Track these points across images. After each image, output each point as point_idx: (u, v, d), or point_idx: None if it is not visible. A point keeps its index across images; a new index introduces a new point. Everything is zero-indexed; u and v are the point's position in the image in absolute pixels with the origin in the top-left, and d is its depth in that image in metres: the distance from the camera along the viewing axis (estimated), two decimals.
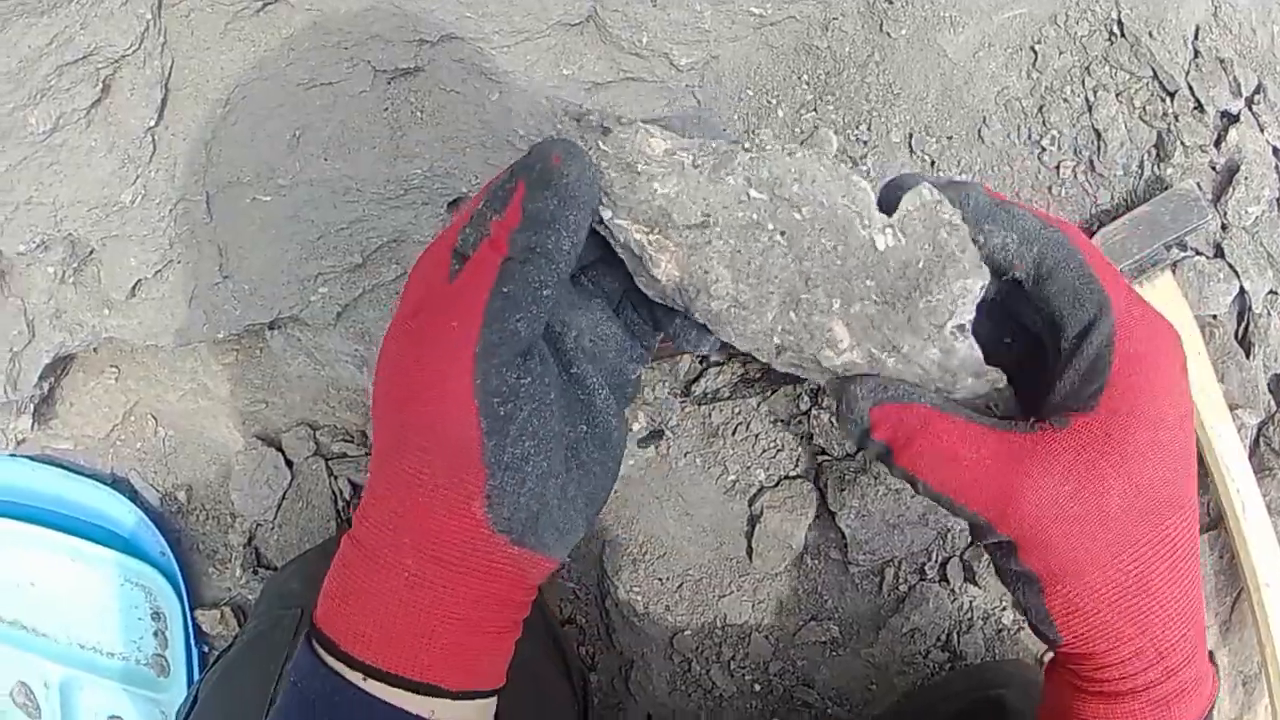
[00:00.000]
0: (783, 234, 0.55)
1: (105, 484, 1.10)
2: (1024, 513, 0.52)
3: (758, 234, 0.55)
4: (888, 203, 0.56)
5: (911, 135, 0.95)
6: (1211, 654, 0.60)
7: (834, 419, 0.53)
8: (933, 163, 0.95)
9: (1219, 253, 0.98)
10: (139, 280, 0.95)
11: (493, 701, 0.61)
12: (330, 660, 0.56)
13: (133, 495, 1.11)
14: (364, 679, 0.55)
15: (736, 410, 0.98)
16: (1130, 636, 0.54)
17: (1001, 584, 0.60)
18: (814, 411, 0.96)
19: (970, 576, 0.99)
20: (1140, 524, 0.53)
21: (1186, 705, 0.55)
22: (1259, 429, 0.99)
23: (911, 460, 0.55)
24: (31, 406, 1.04)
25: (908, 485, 0.57)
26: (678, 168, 0.56)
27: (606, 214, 0.57)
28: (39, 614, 1.11)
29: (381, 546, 0.55)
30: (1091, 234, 0.95)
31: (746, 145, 0.55)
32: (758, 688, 1.03)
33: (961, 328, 0.55)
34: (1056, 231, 0.56)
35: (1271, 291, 0.99)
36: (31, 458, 1.10)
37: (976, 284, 0.55)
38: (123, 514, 1.09)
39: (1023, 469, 0.52)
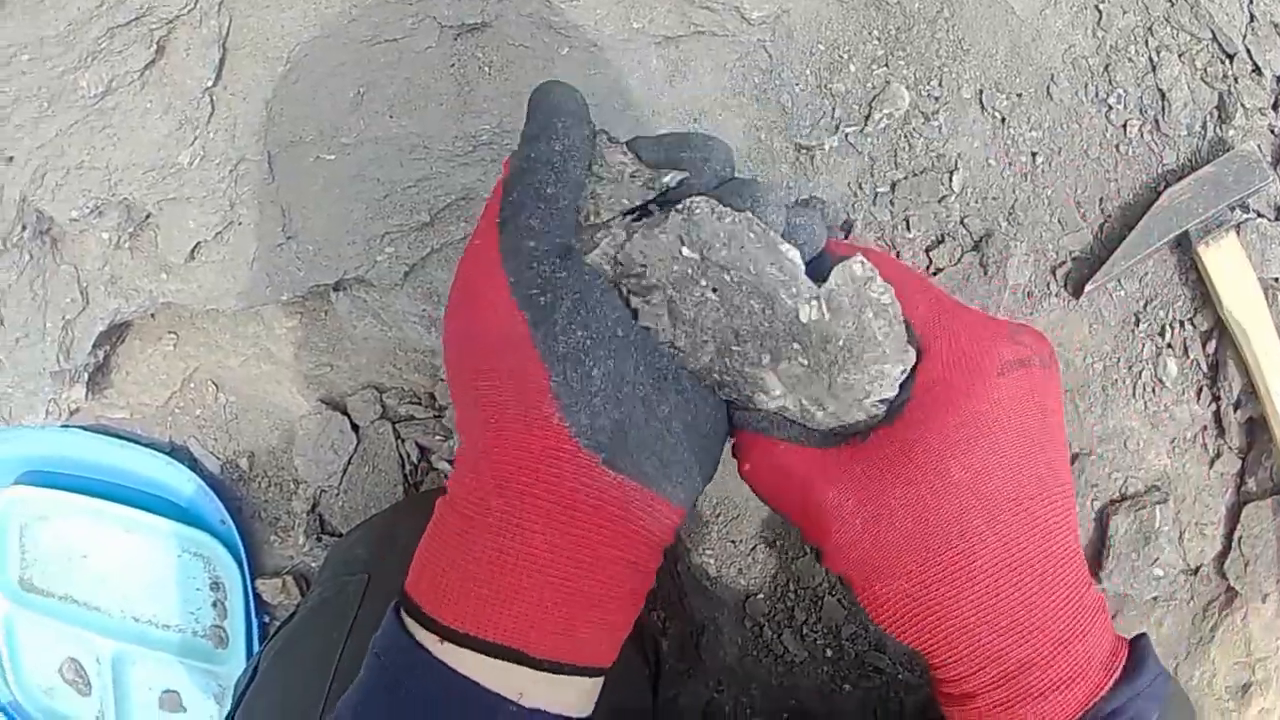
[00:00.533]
0: (714, 291, 0.54)
1: (164, 453, 1.08)
2: (818, 521, 0.53)
3: (692, 288, 0.54)
4: (819, 271, 0.55)
5: (982, 91, 0.94)
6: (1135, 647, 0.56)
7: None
8: (1003, 119, 0.94)
9: None
10: (198, 243, 0.93)
11: (595, 684, 0.55)
12: (414, 628, 0.52)
13: (192, 464, 1.10)
14: (439, 642, 0.51)
15: None
16: (948, 638, 0.52)
17: None
18: None
19: None
20: (938, 528, 0.51)
21: (1038, 711, 0.52)
22: None
23: (748, 475, 0.58)
24: (85, 375, 1.02)
25: None
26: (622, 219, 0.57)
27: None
28: (91, 588, 1.09)
29: (466, 494, 0.52)
30: (1158, 193, 0.94)
31: (679, 207, 0.54)
32: (829, 653, 1.02)
33: (884, 400, 0.54)
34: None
35: None
36: (85, 428, 1.08)
37: (895, 369, 0.54)
38: (181, 483, 1.07)
39: (819, 482, 0.53)
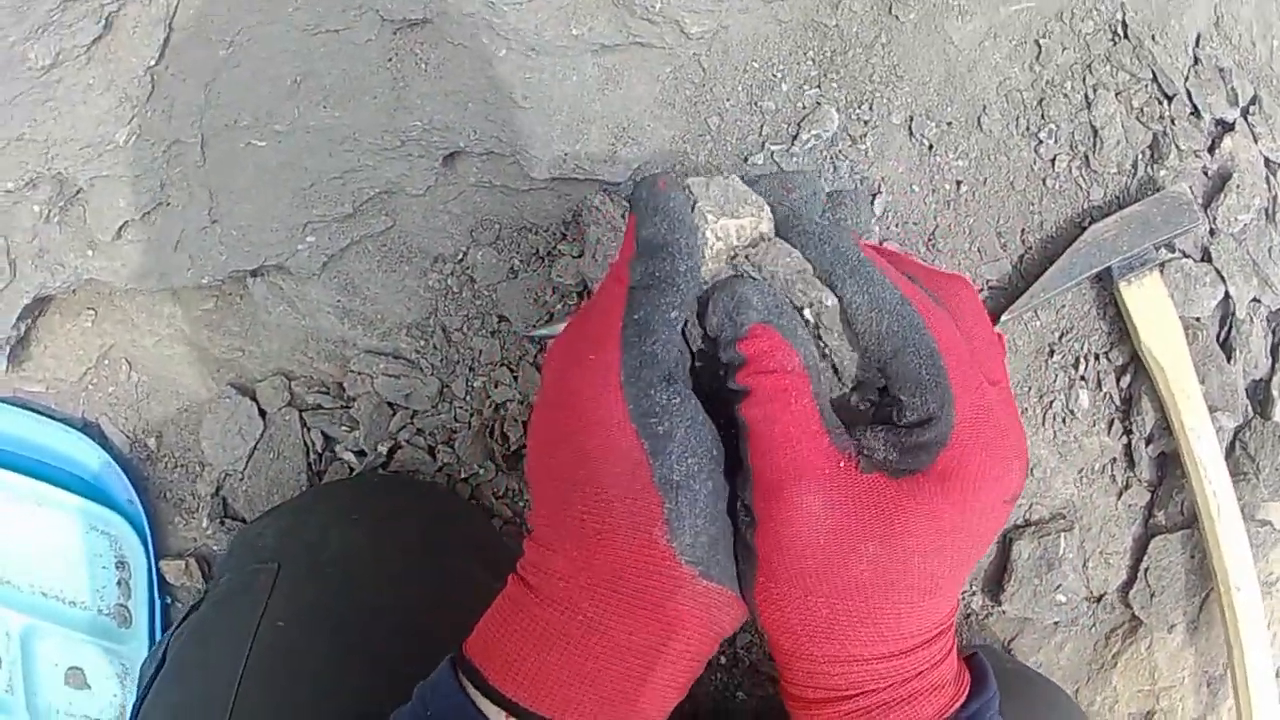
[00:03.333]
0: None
1: (75, 428, 1.11)
2: (776, 504, 0.55)
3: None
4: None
5: (912, 118, 0.99)
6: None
7: (710, 308, 0.56)
8: (930, 146, 0.99)
9: (1206, 257, 1.02)
10: (126, 222, 0.97)
11: None
12: (468, 687, 0.57)
13: (102, 441, 1.13)
14: (506, 717, 0.56)
15: None
16: (827, 663, 0.57)
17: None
18: None
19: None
20: (880, 587, 0.55)
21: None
22: (1236, 433, 1.03)
23: (758, 384, 0.55)
24: (6, 348, 1.05)
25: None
26: None
27: None
28: (2, 561, 1.12)
29: (555, 590, 0.57)
30: (1083, 228, 0.99)
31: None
32: (724, 660, 1.06)
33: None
34: (912, 311, 0.56)
35: (1255, 299, 1.03)
36: (1, 400, 1.10)
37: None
38: (90, 459, 1.11)
39: (807, 475, 0.55)
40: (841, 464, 0.55)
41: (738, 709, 1.07)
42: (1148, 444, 1.02)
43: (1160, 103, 1.02)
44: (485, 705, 0.57)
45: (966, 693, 0.59)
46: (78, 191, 0.97)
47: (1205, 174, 1.03)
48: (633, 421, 0.54)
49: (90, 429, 1.13)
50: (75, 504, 1.09)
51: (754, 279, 0.57)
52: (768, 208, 0.59)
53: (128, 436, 1.13)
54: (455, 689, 0.58)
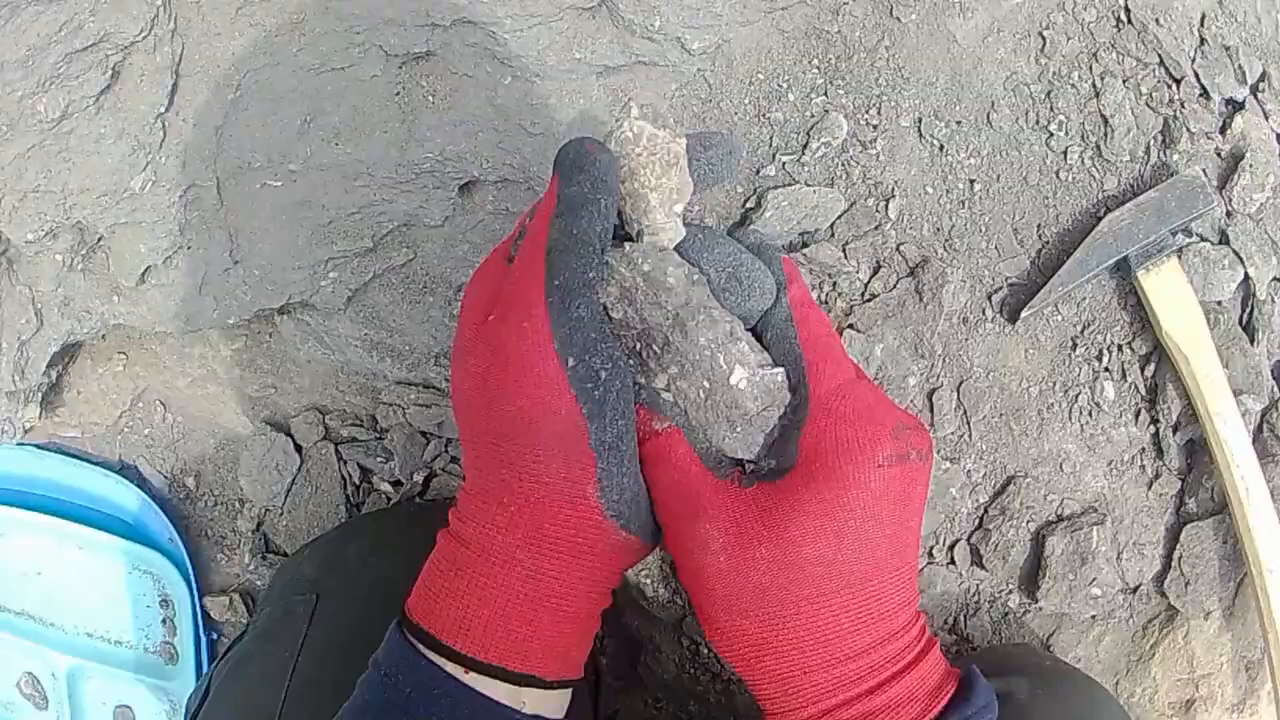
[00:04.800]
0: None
1: (113, 471, 1.14)
2: (687, 541, 0.61)
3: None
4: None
5: (921, 120, 0.99)
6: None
7: None
8: (941, 147, 0.99)
9: (1224, 239, 1.02)
10: (149, 267, 0.99)
11: (570, 691, 0.65)
12: (427, 652, 0.60)
13: (140, 482, 1.15)
14: (465, 671, 0.59)
15: None
16: (780, 677, 0.60)
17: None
18: None
19: (977, 559, 1.03)
20: (792, 589, 0.58)
21: None
22: (1262, 415, 1.03)
23: (645, 451, 0.62)
24: (39, 395, 1.08)
25: None
26: None
27: None
28: (46, 603, 1.14)
29: (492, 543, 0.60)
30: (1099, 219, 0.99)
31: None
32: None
33: (751, 425, 0.62)
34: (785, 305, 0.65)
35: (1276, 278, 1.03)
36: (38, 446, 1.13)
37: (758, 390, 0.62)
38: (130, 500, 1.13)
39: (698, 507, 0.60)
40: (723, 488, 0.60)
41: None
42: (1175, 432, 1.02)
43: (1169, 86, 1.02)
44: (442, 663, 0.60)
45: (943, 706, 0.60)
46: (99, 239, 0.99)
47: (1218, 155, 1.02)
48: (571, 387, 0.57)
49: (128, 471, 1.15)
50: (117, 545, 1.11)
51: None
52: (685, 140, 0.63)
53: (166, 477, 1.15)
54: (411, 651, 0.60)
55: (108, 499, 1.13)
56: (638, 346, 0.62)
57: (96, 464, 1.14)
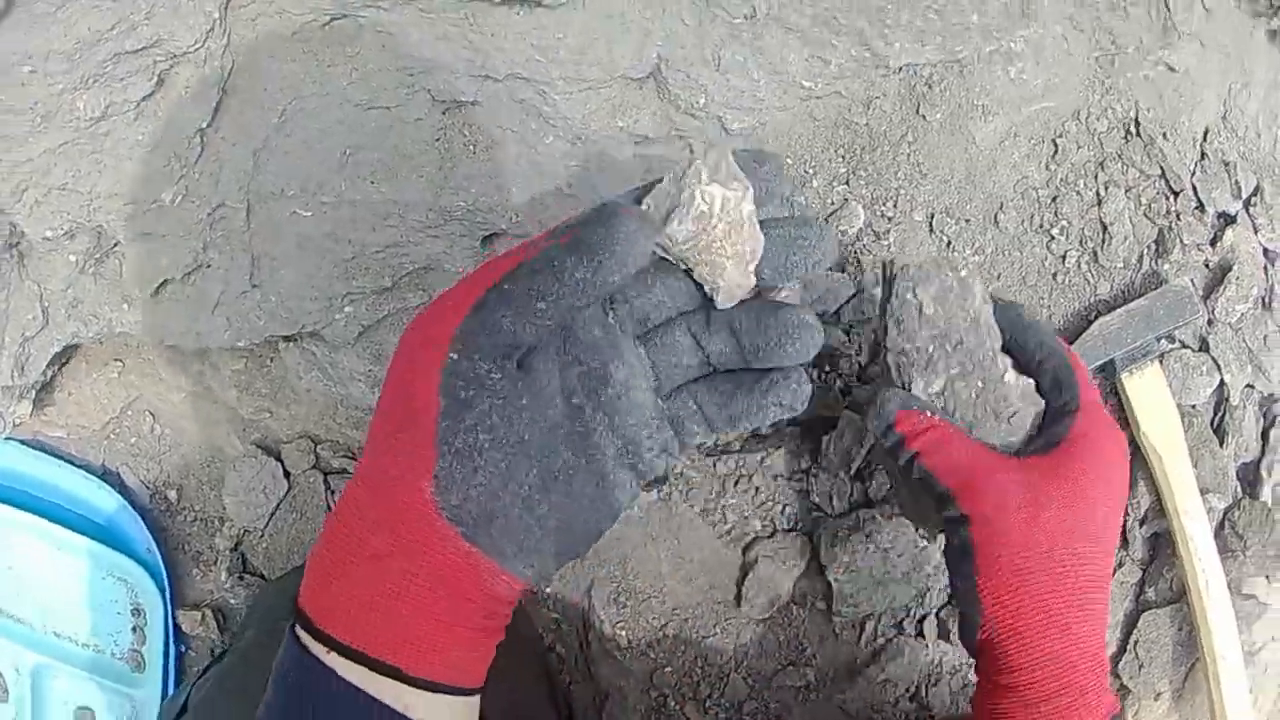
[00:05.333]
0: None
1: (95, 475, 1.13)
2: (981, 493, 0.72)
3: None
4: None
5: (933, 215, 1.03)
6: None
7: (866, 416, 0.79)
8: (949, 243, 1.03)
9: (1204, 346, 1.07)
10: (166, 280, 0.99)
11: (472, 703, 0.63)
12: (309, 642, 0.59)
13: (121, 489, 1.15)
14: (327, 652, 0.58)
15: (742, 463, 1.05)
16: (1034, 637, 0.71)
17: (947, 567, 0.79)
18: (813, 470, 1.03)
19: (944, 633, 1.06)
20: (1063, 538, 0.71)
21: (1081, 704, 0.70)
22: (1225, 513, 1.08)
23: (920, 443, 0.74)
24: (33, 393, 1.06)
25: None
26: None
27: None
28: (16, 599, 1.13)
29: (353, 523, 0.59)
30: (1090, 323, 1.03)
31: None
32: None
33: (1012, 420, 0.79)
34: (1057, 341, 0.81)
35: (1249, 385, 1.09)
36: (23, 442, 1.12)
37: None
38: (110, 506, 1.13)
39: (988, 468, 0.73)
40: (1003, 457, 0.74)
41: None
42: (1141, 525, 1.07)
43: (1167, 198, 1.06)
44: (315, 648, 0.59)
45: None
46: (115, 245, 0.98)
47: (1207, 266, 1.07)
48: (439, 373, 0.57)
49: (110, 477, 1.15)
50: (93, 549, 1.10)
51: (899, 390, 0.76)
52: (751, 190, 0.62)
53: (148, 487, 1.15)
54: (299, 650, 0.59)
55: (88, 502, 1.13)
56: (909, 359, 0.75)
57: (80, 466, 1.13)
